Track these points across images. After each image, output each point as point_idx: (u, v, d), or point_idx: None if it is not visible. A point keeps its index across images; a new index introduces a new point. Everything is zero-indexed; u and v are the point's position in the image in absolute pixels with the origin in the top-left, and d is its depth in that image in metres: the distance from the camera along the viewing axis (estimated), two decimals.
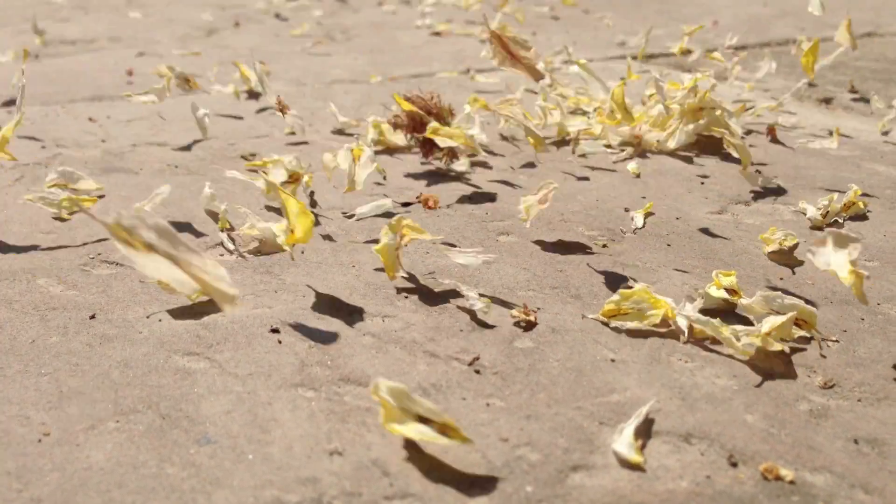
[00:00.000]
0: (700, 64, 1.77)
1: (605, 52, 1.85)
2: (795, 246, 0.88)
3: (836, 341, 0.70)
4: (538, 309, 0.75)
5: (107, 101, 1.40)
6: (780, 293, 0.71)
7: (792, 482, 0.54)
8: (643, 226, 0.93)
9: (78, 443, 0.57)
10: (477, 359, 0.67)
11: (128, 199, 0.99)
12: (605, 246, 0.87)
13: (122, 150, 1.15)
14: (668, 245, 0.89)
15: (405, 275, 0.80)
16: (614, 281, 0.81)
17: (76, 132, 1.23)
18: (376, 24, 2.14)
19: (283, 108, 1.02)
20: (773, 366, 0.67)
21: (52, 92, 1.44)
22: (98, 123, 1.27)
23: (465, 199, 1.00)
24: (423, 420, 0.55)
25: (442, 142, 1.01)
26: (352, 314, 0.74)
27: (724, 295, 0.74)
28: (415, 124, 1.09)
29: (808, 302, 0.76)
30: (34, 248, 0.86)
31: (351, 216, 0.93)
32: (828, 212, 0.95)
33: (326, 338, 0.70)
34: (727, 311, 0.75)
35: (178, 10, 2.29)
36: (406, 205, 0.98)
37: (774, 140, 1.25)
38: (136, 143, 1.19)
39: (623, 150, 1.18)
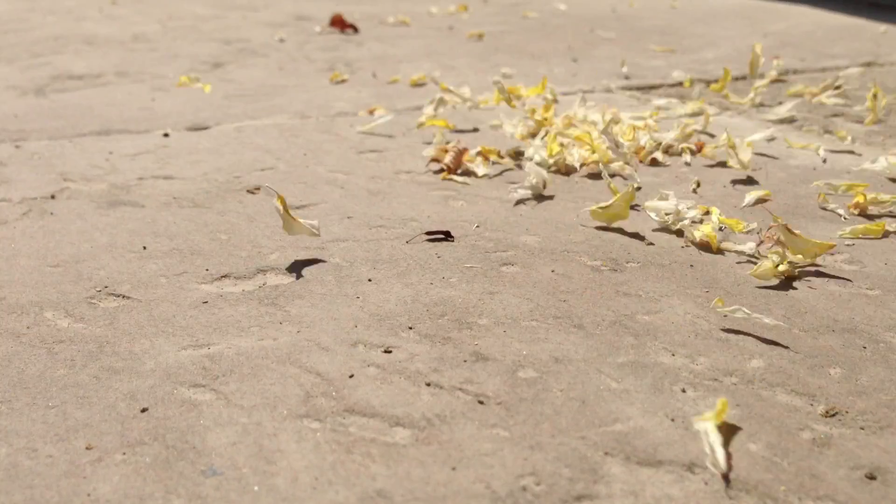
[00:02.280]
0: (702, 95, 1.79)
1: (607, 83, 1.87)
2: (793, 277, 0.89)
3: None
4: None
5: (114, 135, 1.42)
6: None
7: None
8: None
9: (85, 475, 0.57)
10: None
11: (134, 232, 1.00)
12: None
13: (129, 184, 1.17)
14: (671, 275, 0.90)
15: None
16: (617, 310, 0.81)
17: (83, 166, 1.24)
18: (379, 57, 2.16)
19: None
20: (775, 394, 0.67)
21: (60, 126, 1.46)
22: (106, 157, 1.28)
23: (469, 230, 1.01)
24: None
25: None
26: (356, 345, 0.75)
27: None
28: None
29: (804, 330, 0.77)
30: (42, 281, 0.87)
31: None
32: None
33: (331, 369, 0.71)
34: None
35: (183, 45, 2.31)
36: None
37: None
38: (142, 176, 1.20)
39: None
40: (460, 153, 1.25)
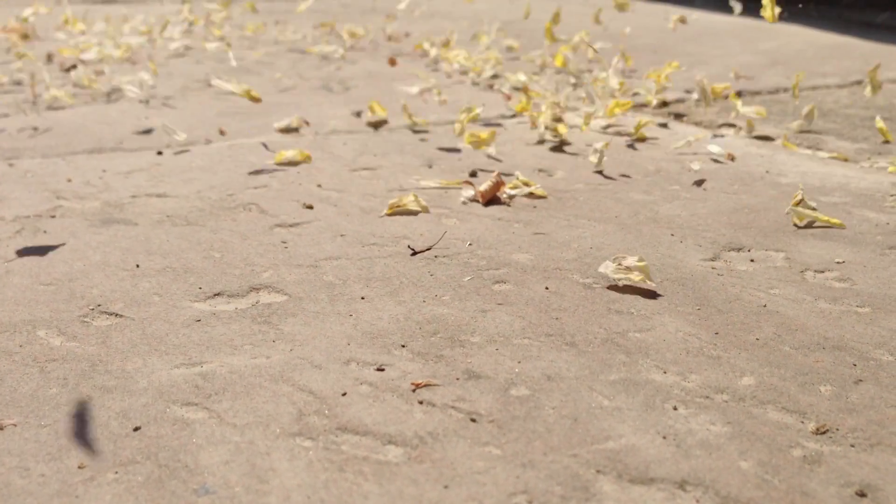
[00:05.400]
0: (691, 112, 1.80)
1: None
2: None
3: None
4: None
5: (107, 153, 1.42)
6: None
7: None
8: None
9: (77, 494, 0.57)
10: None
11: (127, 250, 1.00)
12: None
13: (122, 202, 1.17)
14: (662, 292, 0.90)
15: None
16: (609, 328, 0.82)
17: (76, 184, 1.25)
18: (373, 74, 2.17)
19: None
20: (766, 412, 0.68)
21: (53, 144, 1.46)
22: (99, 175, 1.28)
23: (461, 246, 1.01)
24: None
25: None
26: (349, 363, 0.75)
27: None
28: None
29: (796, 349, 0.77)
30: (34, 299, 0.87)
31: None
32: None
33: (324, 387, 0.71)
34: None
35: (176, 63, 2.32)
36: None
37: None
38: (135, 194, 1.20)
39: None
40: (496, 185, 1.18)
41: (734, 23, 3.33)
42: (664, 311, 0.86)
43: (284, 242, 1.03)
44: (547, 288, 0.91)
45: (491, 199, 1.19)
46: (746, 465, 0.61)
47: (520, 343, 0.79)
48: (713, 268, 0.97)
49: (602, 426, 0.66)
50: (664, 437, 0.64)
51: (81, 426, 0.65)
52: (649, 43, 2.82)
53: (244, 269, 0.95)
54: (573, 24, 3.15)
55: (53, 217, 1.11)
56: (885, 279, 0.94)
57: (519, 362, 0.75)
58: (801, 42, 2.86)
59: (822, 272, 0.96)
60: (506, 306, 0.86)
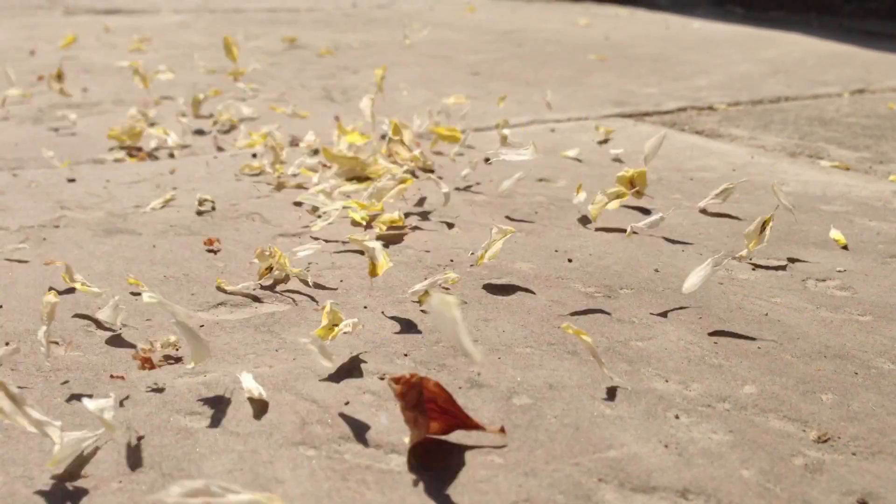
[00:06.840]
0: (692, 122, 1.80)
1: (599, 111, 1.88)
2: None
3: None
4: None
5: (110, 163, 1.43)
6: None
7: None
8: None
9: (81, 503, 0.57)
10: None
11: (131, 259, 1.00)
12: None
13: (126, 212, 1.17)
14: (664, 301, 0.90)
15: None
16: (611, 336, 0.82)
17: (80, 194, 1.25)
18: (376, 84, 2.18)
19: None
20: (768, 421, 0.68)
21: (58, 154, 1.47)
22: (103, 185, 1.29)
23: (465, 256, 1.02)
24: None
25: None
26: (352, 372, 0.75)
27: None
28: None
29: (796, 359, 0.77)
30: (39, 309, 0.87)
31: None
32: None
33: (327, 396, 0.71)
34: None
35: (180, 73, 2.33)
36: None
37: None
38: (139, 204, 1.21)
39: None
40: None
41: (735, 31, 3.33)
42: (666, 319, 0.86)
43: (287, 251, 1.03)
44: (548, 297, 0.91)
45: None
46: (748, 473, 0.61)
47: (522, 352, 0.79)
48: (714, 276, 0.97)
49: (604, 435, 0.66)
50: (666, 446, 0.64)
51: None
52: (650, 52, 2.83)
53: (247, 278, 0.95)
54: (577, 34, 3.16)
55: (57, 227, 1.11)
56: (887, 288, 0.95)
57: (521, 371, 0.75)
58: (802, 51, 2.87)
59: (824, 281, 0.96)
60: (508, 315, 0.87)
